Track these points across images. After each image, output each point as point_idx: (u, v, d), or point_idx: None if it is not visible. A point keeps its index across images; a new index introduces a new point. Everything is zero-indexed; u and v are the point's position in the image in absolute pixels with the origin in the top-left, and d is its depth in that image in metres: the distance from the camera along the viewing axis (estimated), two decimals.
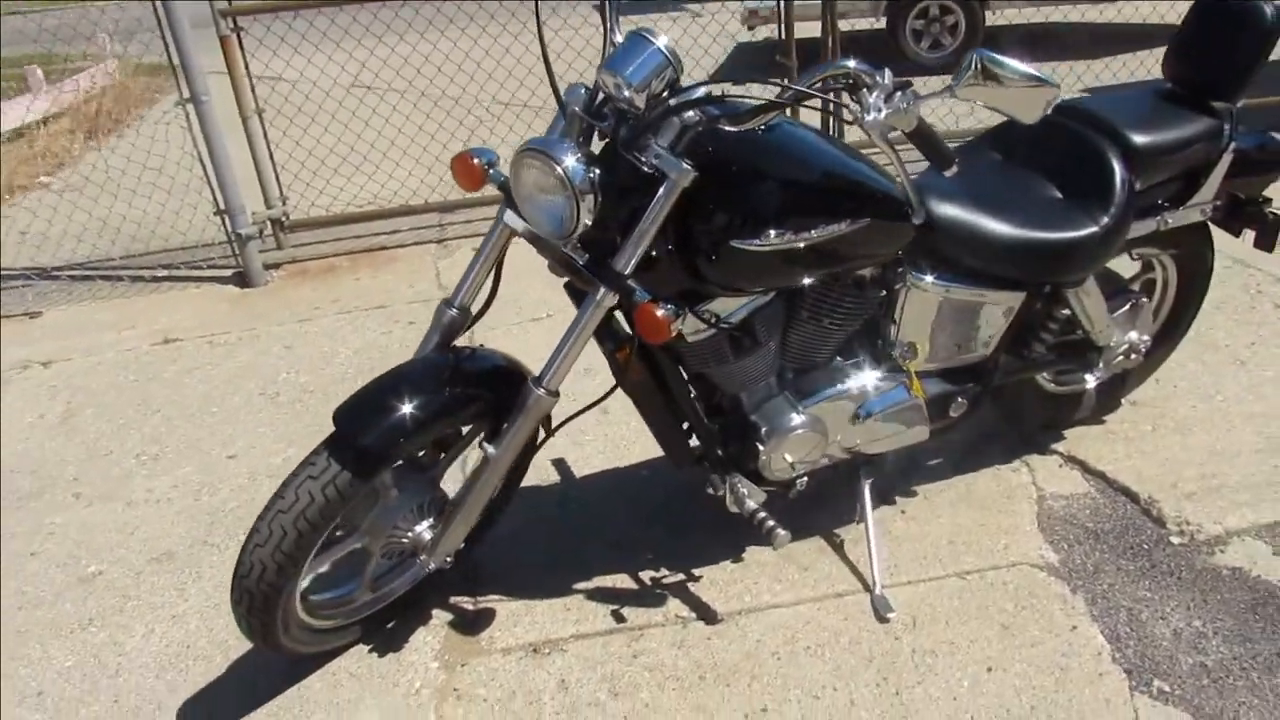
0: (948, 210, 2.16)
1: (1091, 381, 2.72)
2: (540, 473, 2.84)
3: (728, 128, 1.81)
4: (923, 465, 2.71)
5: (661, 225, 1.84)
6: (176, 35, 4.13)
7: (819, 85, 1.78)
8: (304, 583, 2.01)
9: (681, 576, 2.39)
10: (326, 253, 4.76)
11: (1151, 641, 2.11)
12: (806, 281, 2.03)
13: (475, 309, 2.11)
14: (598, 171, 1.79)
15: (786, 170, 1.90)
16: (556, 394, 1.96)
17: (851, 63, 1.75)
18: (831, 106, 1.83)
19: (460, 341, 2.10)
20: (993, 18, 7.27)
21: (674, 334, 1.85)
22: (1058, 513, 2.52)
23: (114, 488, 2.98)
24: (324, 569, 2.09)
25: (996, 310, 2.29)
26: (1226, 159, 2.39)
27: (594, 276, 1.88)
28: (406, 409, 1.87)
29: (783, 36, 4.77)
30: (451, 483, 2.16)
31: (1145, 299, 2.59)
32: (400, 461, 1.97)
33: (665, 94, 1.79)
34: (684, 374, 2.13)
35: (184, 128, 4.35)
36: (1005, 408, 2.75)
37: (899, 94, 1.72)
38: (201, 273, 4.69)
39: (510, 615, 2.31)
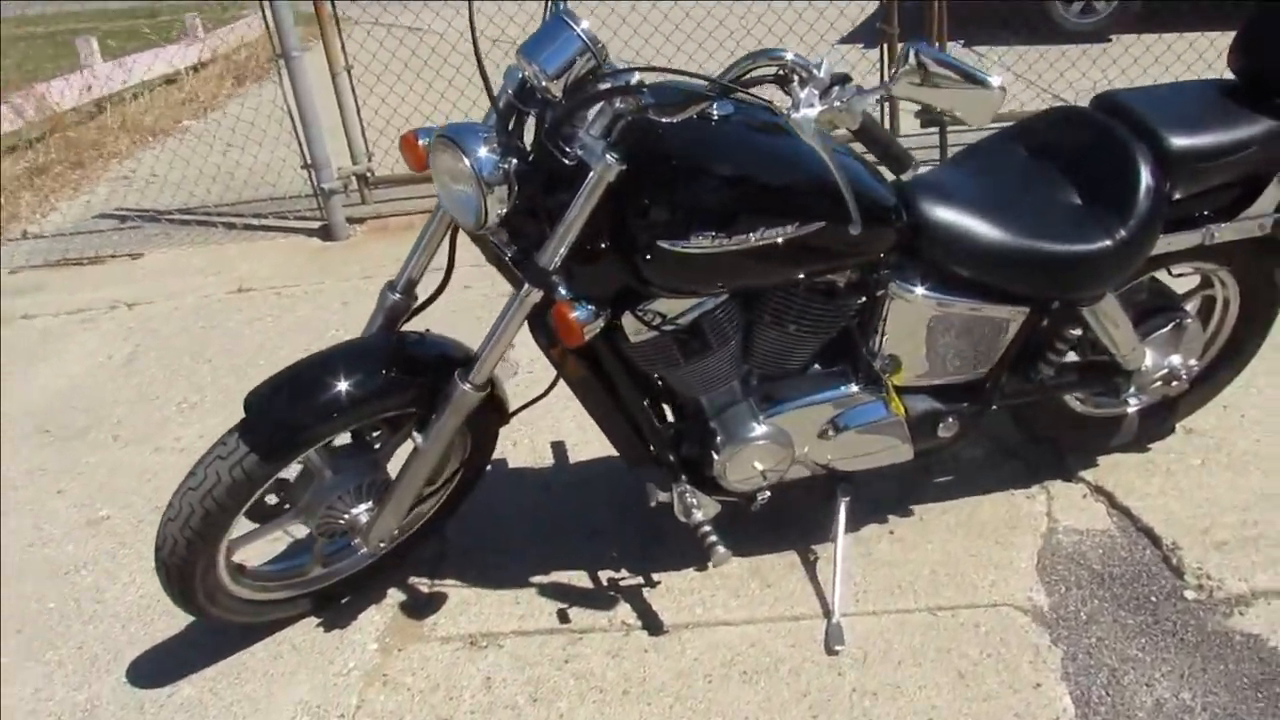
0: (940, 213, 1.96)
1: (1133, 405, 2.46)
2: (538, 454, 2.80)
3: (661, 119, 1.68)
4: (928, 482, 2.52)
5: (594, 219, 1.73)
6: None
7: (750, 77, 1.62)
8: (235, 556, 2.04)
9: (640, 580, 2.30)
10: (409, 209, 4.82)
11: (1126, 710, 1.88)
12: (759, 285, 1.89)
13: (425, 292, 2.07)
14: (514, 161, 1.70)
15: (722, 166, 1.74)
16: (484, 387, 1.90)
17: (790, 55, 1.58)
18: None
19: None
20: None
21: (588, 338, 1.76)
22: (1065, 549, 2.29)
23: (149, 432, 3.12)
24: (270, 540, 2.12)
25: (994, 326, 2.07)
26: None
27: (518, 270, 1.80)
28: (322, 395, 1.85)
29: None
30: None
31: (1190, 319, 2.29)
32: (316, 445, 1.94)
33: (591, 80, 1.68)
34: (635, 373, 2.02)
35: (274, 82, 4.48)
36: (1030, 428, 2.51)
37: (836, 89, 1.55)
38: (289, 224, 4.85)
39: (461, 602, 2.28)
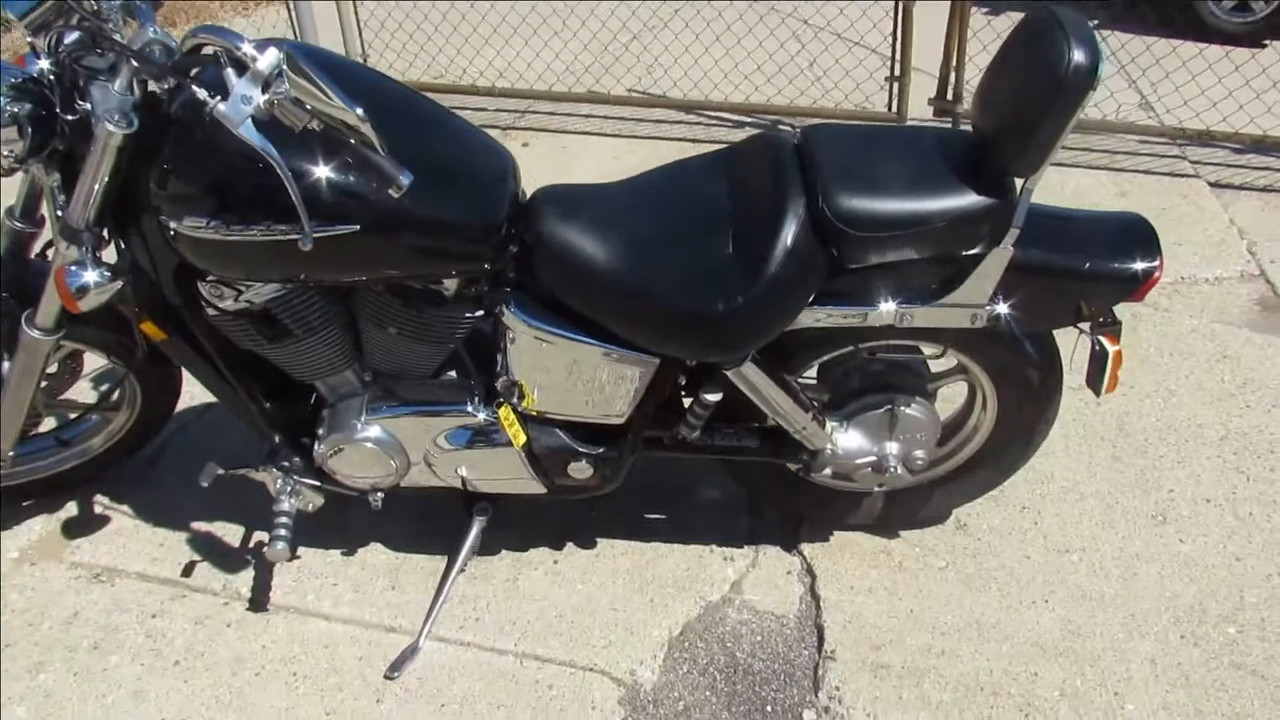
0: (559, 235, 1.74)
1: (878, 485, 2.14)
2: None
3: (159, 81, 1.54)
4: (640, 517, 2.29)
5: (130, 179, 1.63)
6: None
7: (203, 54, 1.45)
8: None
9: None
10: None
11: None
12: (326, 281, 1.74)
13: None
14: (29, 105, 1.61)
15: (200, 150, 1.57)
16: (54, 330, 1.85)
17: (245, 44, 1.39)
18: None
19: None
20: None
21: (85, 308, 1.67)
22: (723, 626, 2.04)
23: None
24: None
25: (617, 372, 1.82)
26: (1003, 257, 1.68)
27: (57, 222, 1.72)
28: None
29: None
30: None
31: (912, 408, 1.93)
32: None
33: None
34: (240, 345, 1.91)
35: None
36: (748, 485, 2.22)
37: (279, 82, 1.37)
38: None
39: (117, 531, 2.28)
